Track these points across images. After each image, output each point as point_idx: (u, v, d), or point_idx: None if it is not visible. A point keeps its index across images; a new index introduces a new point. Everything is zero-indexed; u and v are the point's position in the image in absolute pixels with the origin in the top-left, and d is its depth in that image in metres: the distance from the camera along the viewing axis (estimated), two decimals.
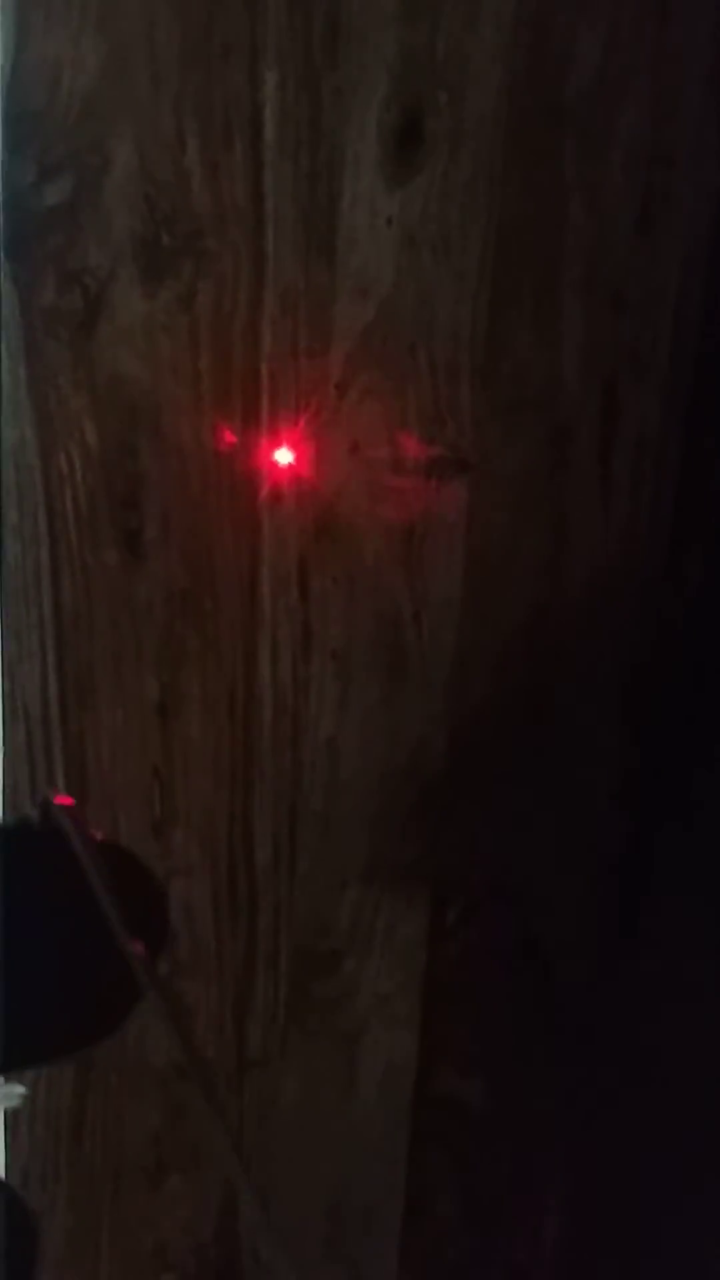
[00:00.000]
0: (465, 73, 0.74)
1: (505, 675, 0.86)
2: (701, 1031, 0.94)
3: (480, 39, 0.74)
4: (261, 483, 0.79)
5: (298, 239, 0.75)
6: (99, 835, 0.75)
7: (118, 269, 0.74)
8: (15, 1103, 0.83)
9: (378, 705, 0.85)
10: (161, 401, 0.76)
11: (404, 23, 0.73)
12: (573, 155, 0.77)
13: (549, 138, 0.76)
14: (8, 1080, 0.79)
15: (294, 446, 0.78)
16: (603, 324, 0.80)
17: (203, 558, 0.79)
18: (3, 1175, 0.87)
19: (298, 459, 0.79)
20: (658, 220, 0.79)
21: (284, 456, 0.78)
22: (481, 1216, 0.99)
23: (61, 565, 0.78)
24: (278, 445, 0.78)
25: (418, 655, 0.84)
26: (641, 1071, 0.97)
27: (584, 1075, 0.98)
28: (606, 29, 0.75)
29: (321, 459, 0.79)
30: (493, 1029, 0.96)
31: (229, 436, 0.77)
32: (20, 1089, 0.82)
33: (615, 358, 0.81)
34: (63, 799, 0.68)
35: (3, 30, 0.69)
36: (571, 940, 0.94)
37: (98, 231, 0.73)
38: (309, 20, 0.72)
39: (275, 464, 0.78)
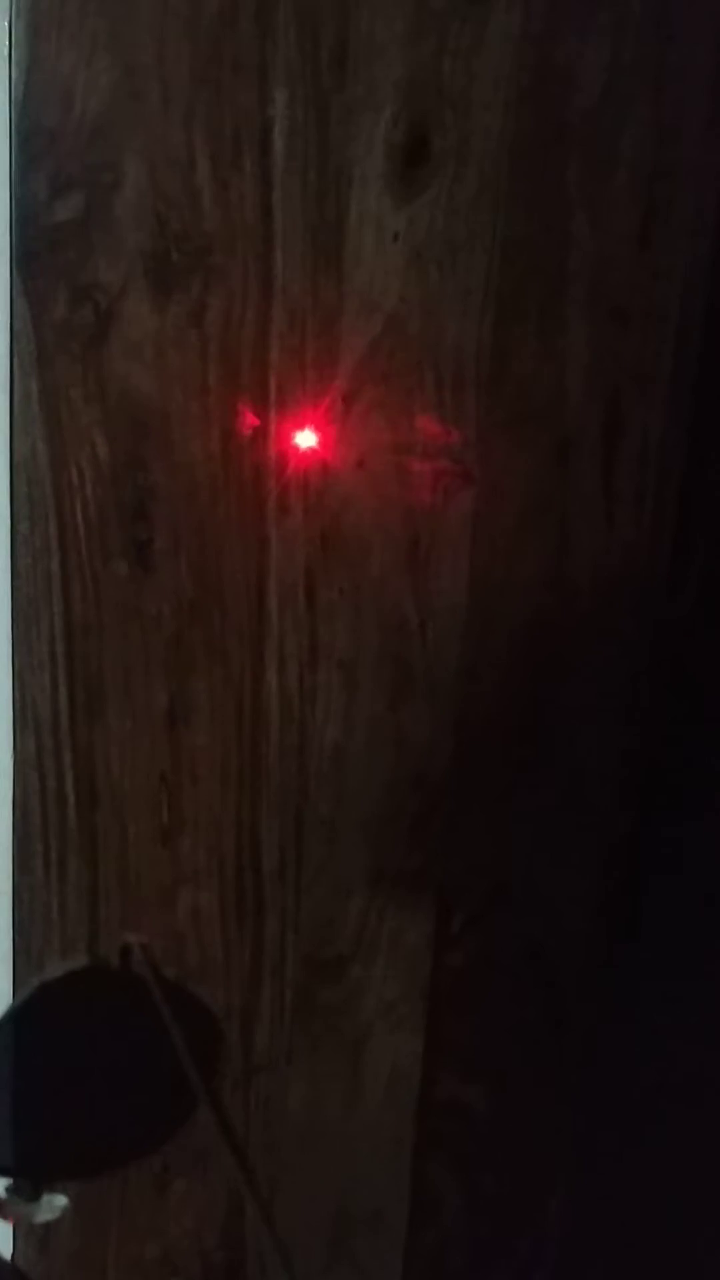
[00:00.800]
0: (471, 92, 0.75)
1: (510, 685, 0.86)
2: (706, 1036, 0.95)
3: (486, 59, 0.75)
4: (269, 495, 0.80)
5: (305, 255, 0.76)
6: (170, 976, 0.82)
7: (128, 284, 0.75)
8: (57, 1215, 0.85)
9: (384, 714, 0.85)
10: (171, 415, 0.77)
11: (411, 43, 0.74)
12: (576, 172, 0.78)
13: (553, 155, 0.77)
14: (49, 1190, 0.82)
15: (301, 459, 0.79)
16: (606, 338, 0.81)
17: (211, 569, 0.80)
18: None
19: (305, 472, 0.80)
20: (660, 236, 0.80)
21: (291, 469, 0.79)
22: (487, 1221, 1.00)
23: (72, 576, 0.79)
24: (285, 458, 0.79)
25: (423, 665, 0.85)
26: (646, 1076, 0.98)
27: (588, 1080, 0.99)
28: (609, 48, 0.76)
29: (328, 471, 0.80)
30: (497, 1034, 0.96)
31: (237, 449, 0.78)
32: (62, 1200, 0.84)
33: (619, 372, 0.82)
34: (140, 940, 0.71)
35: (16, 50, 0.71)
36: (576, 947, 0.95)
37: (109, 247, 0.74)
38: (317, 40, 0.73)
39: (283, 476, 0.79)
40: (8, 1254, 0.88)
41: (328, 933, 0.90)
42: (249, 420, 0.78)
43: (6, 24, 0.70)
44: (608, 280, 0.80)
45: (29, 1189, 0.81)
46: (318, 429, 0.79)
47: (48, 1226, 0.89)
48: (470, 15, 0.74)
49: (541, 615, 0.86)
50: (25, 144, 0.72)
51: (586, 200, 0.79)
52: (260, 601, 0.82)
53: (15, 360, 0.75)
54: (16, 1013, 0.78)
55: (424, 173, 0.76)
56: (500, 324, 0.79)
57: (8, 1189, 0.82)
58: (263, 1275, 0.96)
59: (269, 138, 0.74)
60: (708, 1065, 0.95)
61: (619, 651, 0.87)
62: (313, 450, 0.79)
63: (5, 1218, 0.83)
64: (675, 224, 0.80)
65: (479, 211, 0.77)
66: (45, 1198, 0.82)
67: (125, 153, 0.73)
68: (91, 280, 0.74)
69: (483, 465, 0.82)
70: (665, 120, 0.78)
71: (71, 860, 0.84)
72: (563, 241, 0.79)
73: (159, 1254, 0.94)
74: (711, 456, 0.86)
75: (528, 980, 0.95)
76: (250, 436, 0.78)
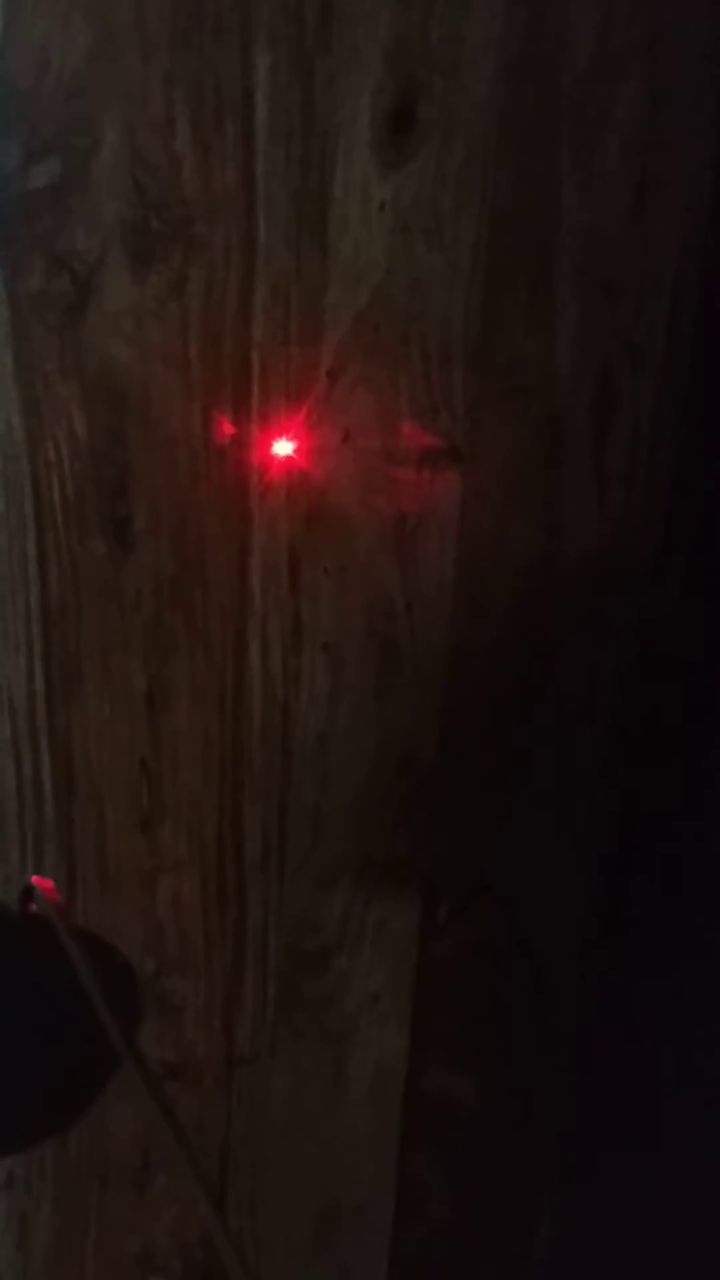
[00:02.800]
0: (459, 58, 0.73)
1: (498, 667, 0.85)
2: (693, 1028, 0.94)
3: (474, 24, 0.73)
4: (252, 472, 0.78)
5: (289, 225, 0.74)
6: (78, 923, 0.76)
7: (107, 254, 0.73)
8: None
9: (369, 698, 0.84)
10: (151, 389, 0.75)
11: (397, 7, 0.72)
12: (567, 142, 0.76)
13: (543, 124, 0.76)
14: None
15: (285, 435, 0.77)
16: (597, 312, 0.80)
17: (192, 548, 0.78)
18: None
19: (288, 448, 0.78)
20: (653, 208, 0.79)
21: (275, 445, 0.77)
22: (473, 1214, 0.98)
23: (49, 555, 0.77)
24: (268, 434, 0.77)
25: (409, 647, 0.83)
26: (633, 1069, 0.97)
27: (576, 1072, 0.97)
28: (601, 13, 0.74)
29: (313, 448, 0.78)
30: (484, 1026, 0.95)
31: (219, 425, 0.76)
32: None
33: (610, 347, 0.80)
34: (43, 882, 0.68)
35: None
36: (563, 937, 0.93)
37: (86, 215, 0.72)
38: (302, 3, 0.71)
39: (266, 453, 0.77)
40: None
41: (311, 923, 0.88)
42: (231, 395, 0.76)
43: None
44: (599, 253, 0.79)
45: None
46: (302, 404, 0.77)
47: (25, 1223, 0.87)
48: None
49: (530, 596, 0.84)
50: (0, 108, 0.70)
51: (577, 170, 0.77)
52: (242, 581, 0.80)
53: None
54: None
55: (411, 140, 0.74)
56: (489, 297, 0.78)
57: None
58: (244, 1271, 0.94)
59: (251, 103, 0.72)
60: (696, 1056, 0.94)
61: (608, 633, 0.86)
62: (297, 426, 0.77)
63: None
64: (668, 195, 0.79)
65: (467, 181, 0.75)
66: None
67: (103, 117, 0.71)
68: (68, 249, 0.72)
69: (470, 442, 0.80)
70: (657, 88, 0.76)
71: (49, 848, 0.82)
72: (553, 213, 0.77)
73: (139, 1251, 0.92)
74: (704, 434, 0.84)
75: (515, 971, 0.94)
76: (233, 412, 0.76)
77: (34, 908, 0.69)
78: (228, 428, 0.76)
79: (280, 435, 0.77)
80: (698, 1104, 0.94)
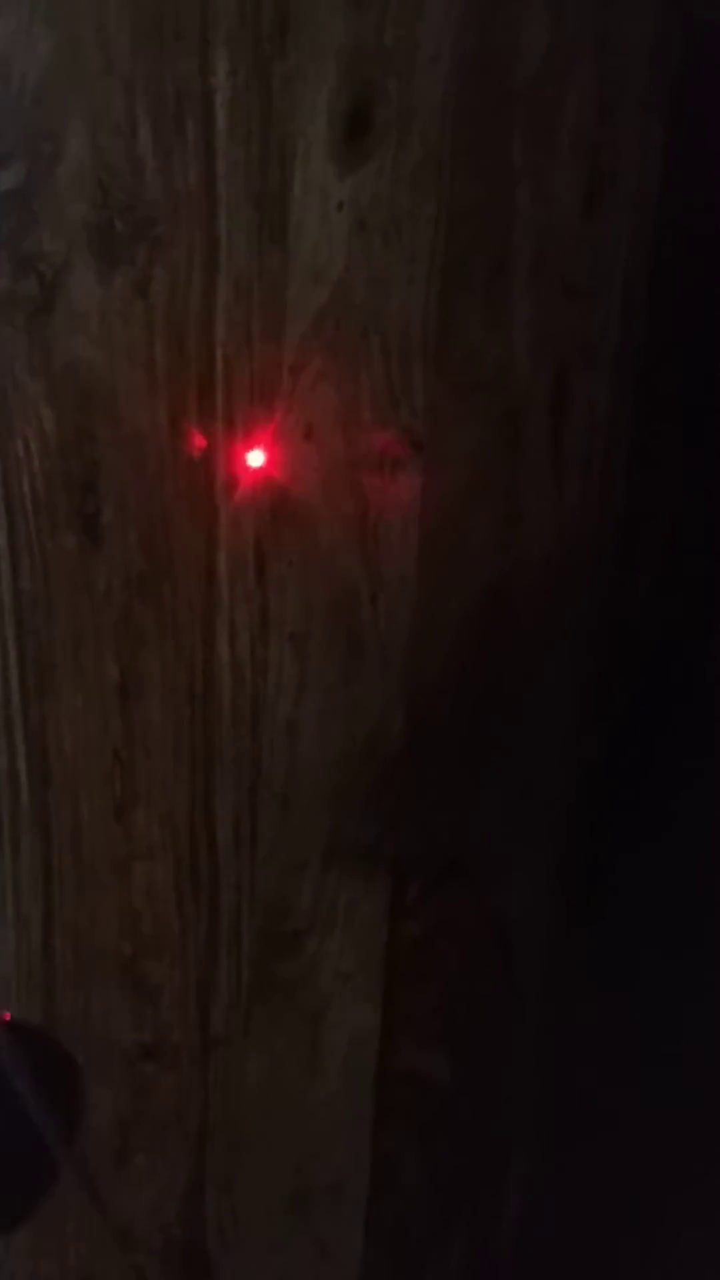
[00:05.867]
0: (413, 61, 0.75)
1: (461, 654, 0.87)
2: (662, 1005, 0.96)
3: (427, 27, 0.75)
4: (217, 467, 0.79)
5: (250, 225, 0.76)
6: (6, 1015, 0.76)
7: (72, 255, 0.74)
8: None
9: (336, 686, 0.86)
10: (117, 387, 0.77)
11: (352, 11, 0.74)
12: (520, 142, 0.78)
13: (496, 124, 0.78)
14: None
15: (249, 431, 0.79)
16: (552, 308, 0.82)
17: (160, 541, 0.80)
18: None
19: (253, 443, 0.79)
20: (605, 206, 0.81)
21: (239, 441, 0.79)
22: (446, 1190, 1.01)
23: (20, 550, 0.79)
24: (233, 430, 0.79)
25: (374, 636, 0.85)
26: (603, 1045, 0.99)
27: (547, 1049, 1.00)
28: (550, 16, 0.76)
29: (277, 443, 0.80)
30: (455, 1004, 0.97)
31: (185, 421, 0.78)
32: None
33: (565, 342, 0.83)
34: None
35: None
36: (532, 915, 0.95)
37: (52, 218, 0.73)
38: (258, 9, 0.72)
39: (231, 448, 0.79)
40: None
41: (283, 906, 0.90)
42: (196, 392, 0.78)
43: None
44: (553, 250, 0.81)
45: None
46: (265, 400, 0.79)
47: None
48: None
49: (492, 585, 0.86)
50: None
51: (530, 170, 0.79)
52: (210, 574, 0.81)
53: None
54: None
55: (367, 142, 0.76)
56: (446, 294, 0.80)
57: None
58: (222, 1250, 0.96)
59: (211, 107, 0.73)
60: (668, 1033, 0.96)
61: (569, 619, 0.88)
62: (260, 421, 0.79)
63: None
64: (620, 194, 0.81)
65: (423, 181, 0.77)
66: None
67: (66, 123, 0.72)
68: (35, 251, 0.74)
69: (431, 436, 0.82)
70: (607, 88, 0.78)
71: (25, 837, 0.84)
72: (507, 212, 0.80)
73: (119, 1229, 0.94)
74: (658, 427, 0.87)
75: (485, 950, 0.96)
76: (198, 408, 0.78)
77: None
78: (193, 424, 0.78)
79: (245, 431, 0.79)
80: (667, 1077, 0.96)
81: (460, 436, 0.83)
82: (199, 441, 0.79)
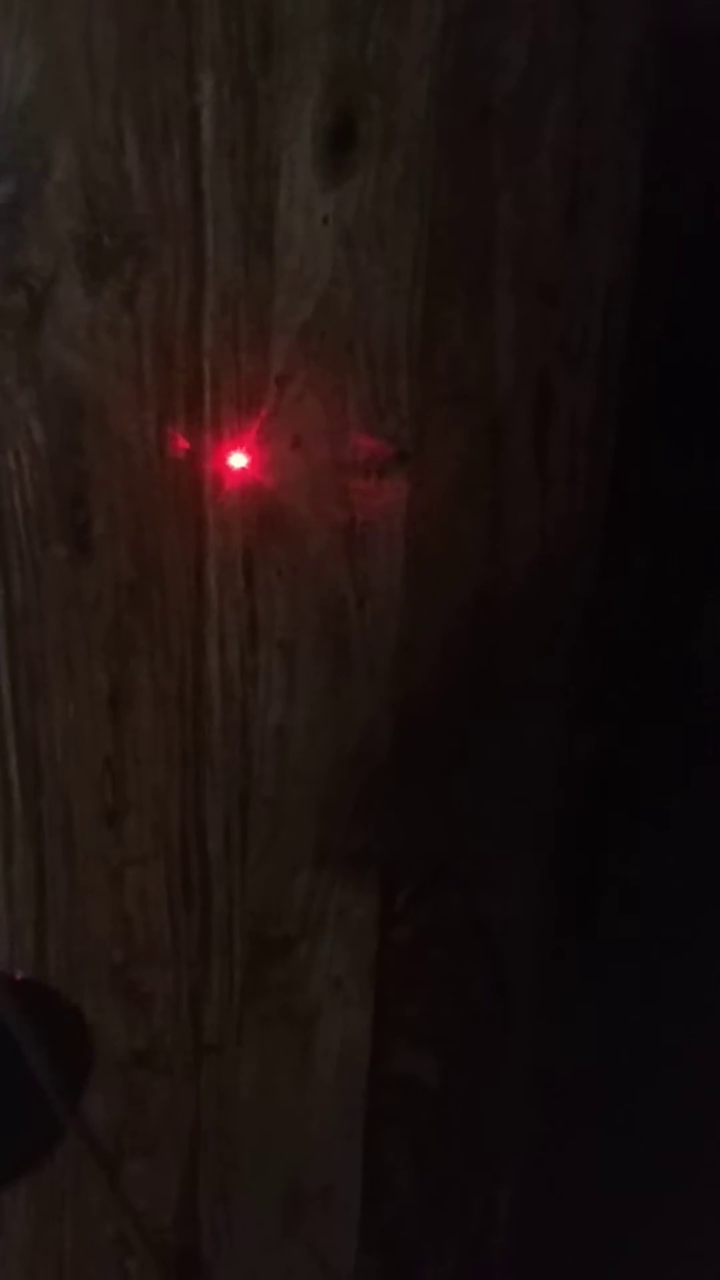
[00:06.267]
0: (396, 76, 0.76)
1: (448, 661, 0.88)
2: (652, 1006, 0.96)
3: (409, 43, 0.76)
4: (206, 477, 0.80)
5: (236, 238, 0.77)
6: (17, 975, 0.75)
7: (60, 269, 0.75)
8: None
9: (324, 693, 0.87)
10: (106, 399, 0.78)
11: (335, 28, 0.75)
12: (501, 155, 0.79)
13: (478, 138, 0.79)
14: None
15: (237, 442, 0.80)
16: (534, 318, 0.83)
17: (150, 552, 0.81)
18: None
19: (240, 454, 0.80)
20: (585, 216, 0.82)
21: (227, 452, 0.80)
22: (439, 1194, 1.01)
23: (11, 561, 0.79)
24: (221, 441, 0.80)
25: (362, 643, 0.86)
26: (592, 1047, 1.00)
27: (536, 1051, 1.00)
28: (531, 31, 0.77)
29: (264, 453, 0.81)
30: (445, 1008, 0.97)
31: (173, 433, 0.79)
32: None
33: (547, 350, 0.84)
34: None
35: None
36: (521, 920, 0.96)
37: (40, 232, 0.74)
38: (243, 26, 0.74)
39: (219, 459, 0.80)
40: None
41: (274, 912, 0.91)
42: (184, 403, 0.79)
43: None
44: (535, 260, 0.82)
45: None
46: (252, 411, 0.80)
47: (1, 1207, 0.89)
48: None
49: (478, 593, 0.87)
50: None
51: (511, 182, 0.80)
52: (199, 583, 0.82)
53: None
54: None
55: (352, 156, 0.77)
56: (430, 305, 0.81)
57: None
58: (217, 1255, 0.97)
59: (197, 122, 0.74)
60: (658, 1035, 0.97)
61: (555, 625, 0.89)
62: (248, 432, 0.80)
63: None
64: (600, 203, 0.82)
65: (407, 194, 0.78)
66: None
67: (54, 138, 0.73)
68: (24, 265, 0.75)
69: (416, 445, 0.83)
70: (586, 100, 0.79)
71: (18, 844, 0.85)
72: (489, 223, 0.81)
73: (114, 1235, 0.94)
74: (642, 433, 0.88)
75: (475, 954, 0.97)
76: (186, 420, 0.79)
77: None
78: (181, 435, 0.79)
79: (232, 442, 0.80)
80: (658, 1079, 0.97)
81: (445, 445, 0.84)
82: (187, 452, 0.80)
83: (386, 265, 0.79)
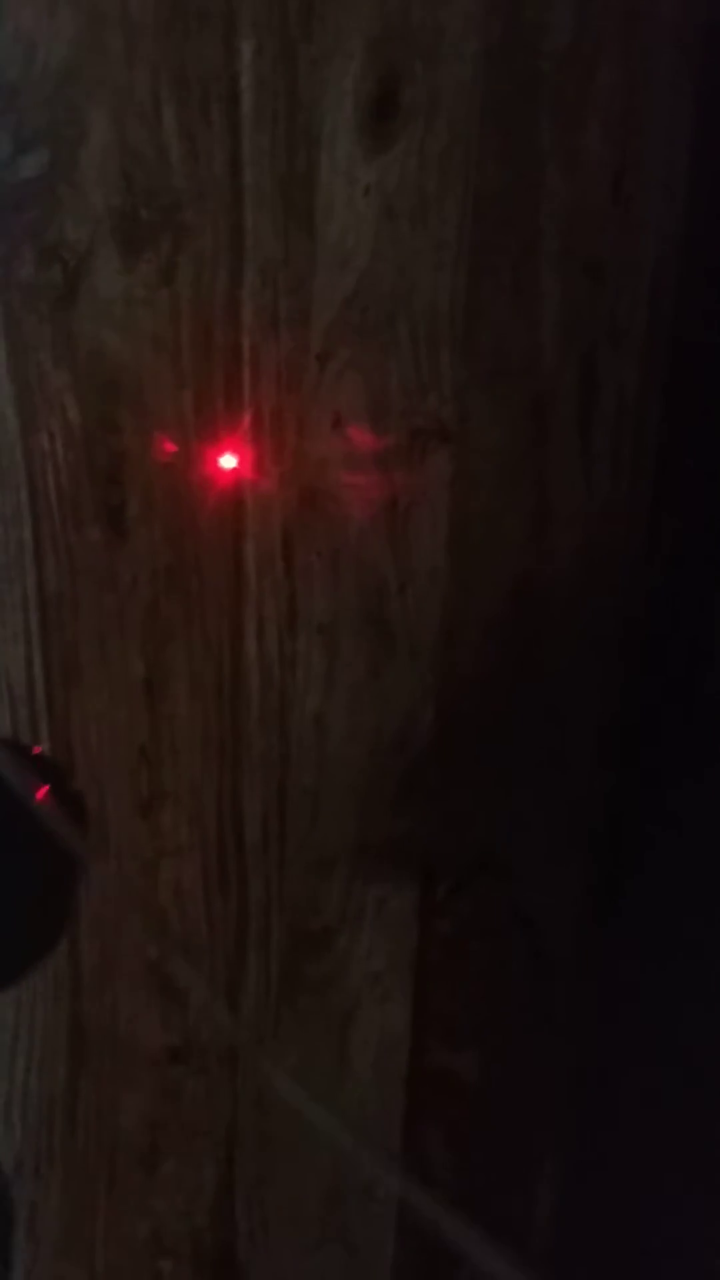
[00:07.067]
0: (440, 42, 0.74)
1: (491, 645, 0.86)
2: (695, 1001, 0.95)
3: (454, 8, 0.74)
4: (244, 457, 0.78)
5: (276, 210, 0.75)
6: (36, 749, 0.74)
7: (96, 243, 0.73)
8: None
9: (365, 679, 0.84)
10: (143, 376, 0.76)
11: None
12: (548, 123, 0.77)
13: (524, 106, 0.77)
14: None
15: (276, 419, 0.78)
16: (580, 293, 0.81)
17: (186, 534, 0.79)
18: None
19: (280, 432, 0.78)
20: (633, 188, 0.80)
21: (267, 429, 0.78)
22: (478, 1189, 0.99)
23: (44, 544, 0.78)
24: (260, 418, 0.78)
25: (404, 628, 0.84)
26: (635, 1042, 0.98)
27: (578, 1046, 0.98)
28: None
29: (303, 431, 0.79)
30: (485, 1003, 0.96)
31: (211, 411, 0.77)
32: None
33: (593, 327, 0.82)
34: None
35: None
36: (562, 911, 0.94)
37: (75, 205, 0.72)
38: None
39: (257, 437, 0.78)
40: None
41: (312, 904, 0.89)
42: (222, 380, 0.77)
43: None
44: (581, 234, 0.80)
45: None
46: (292, 389, 0.78)
47: (34, 1206, 0.88)
48: None
49: (520, 573, 0.85)
50: None
51: (558, 152, 0.78)
52: (237, 566, 0.80)
53: None
54: None
55: (394, 125, 0.75)
56: (474, 279, 0.79)
57: None
58: (253, 1253, 0.95)
59: (236, 90, 0.72)
60: (704, 1031, 0.95)
61: (600, 608, 0.87)
62: (288, 410, 0.78)
63: None
64: (648, 176, 0.80)
65: (450, 164, 0.76)
66: None
67: (90, 107, 0.71)
68: (58, 239, 0.73)
69: (459, 423, 0.81)
70: (635, 68, 0.77)
71: None
72: (535, 195, 0.79)
73: (148, 1234, 0.92)
74: (688, 411, 0.86)
75: (516, 947, 0.95)
76: (224, 397, 0.77)
77: None
78: (219, 413, 0.77)
79: (272, 420, 0.78)
80: (704, 1076, 0.95)
81: (488, 423, 0.82)
82: (225, 431, 0.78)
83: (429, 238, 0.77)
